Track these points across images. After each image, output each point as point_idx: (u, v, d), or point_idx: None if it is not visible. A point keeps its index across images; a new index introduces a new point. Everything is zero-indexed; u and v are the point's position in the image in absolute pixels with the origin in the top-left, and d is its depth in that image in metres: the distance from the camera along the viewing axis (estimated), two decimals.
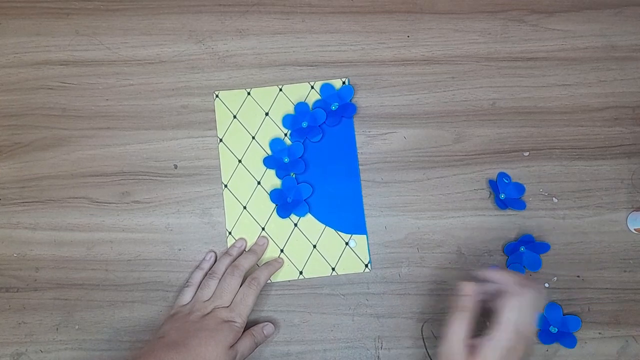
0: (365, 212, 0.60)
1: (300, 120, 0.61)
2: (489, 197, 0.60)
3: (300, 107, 0.62)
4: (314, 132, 0.61)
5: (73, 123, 0.62)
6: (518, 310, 0.45)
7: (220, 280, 0.55)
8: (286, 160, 0.60)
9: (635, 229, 0.58)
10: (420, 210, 0.60)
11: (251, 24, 0.64)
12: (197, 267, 0.58)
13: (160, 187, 0.60)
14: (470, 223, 0.60)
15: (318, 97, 0.62)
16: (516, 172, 0.61)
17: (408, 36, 0.64)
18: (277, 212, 0.60)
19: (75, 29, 0.64)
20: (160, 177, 0.61)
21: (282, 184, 0.60)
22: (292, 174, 0.60)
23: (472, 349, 0.45)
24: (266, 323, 0.56)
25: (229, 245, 0.59)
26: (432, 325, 0.57)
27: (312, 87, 0.62)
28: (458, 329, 0.46)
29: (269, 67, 0.63)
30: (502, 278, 0.48)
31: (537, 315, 0.47)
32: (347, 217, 0.59)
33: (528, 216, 0.60)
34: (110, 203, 0.60)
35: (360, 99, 0.62)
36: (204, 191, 0.60)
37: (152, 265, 0.59)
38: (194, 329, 0.51)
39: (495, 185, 0.59)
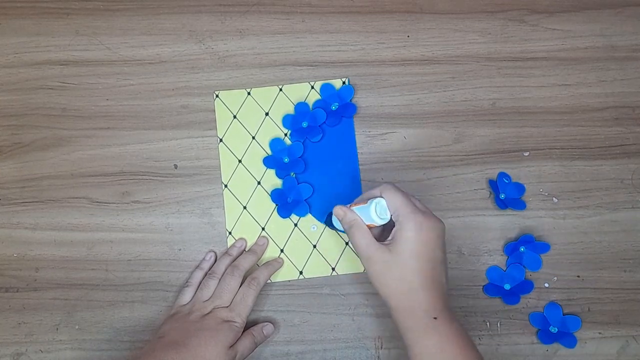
0: None
1: (300, 120, 0.61)
2: (489, 197, 0.60)
3: (300, 107, 0.62)
4: (314, 132, 0.61)
5: (73, 123, 0.62)
6: (418, 218, 0.46)
7: (220, 280, 0.55)
8: (286, 160, 0.60)
9: None
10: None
11: (251, 24, 0.64)
12: (197, 267, 0.58)
13: (160, 187, 0.60)
14: (470, 223, 0.60)
15: (318, 97, 0.62)
16: (516, 172, 0.61)
17: (408, 36, 0.64)
18: (277, 212, 0.60)
19: (75, 29, 0.64)
20: (160, 177, 0.61)
21: (283, 184, 0.60)
22: (292, 173, 0.60)
23: (386, 246, 0.47)
24: (266, 323, 0.56)
25: (229, 245, 0.59)
26: None
27: (312, 87, 0.62)
28: (360, 236, 0.48)
29: (269, 67, 0.63)
30: (394, 199, 0.48)
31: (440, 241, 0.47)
32: None
33: (528, 216, 0.60)
34: (110, 203, 0.60)
35: (360, 99, 0.62)
36: (204, 191, 0.60)
37: (152, 265, 0.59)
38: (193, 328, 0.51)
39: (495, 185, 0.59)
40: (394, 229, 0.48)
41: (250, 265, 0.57)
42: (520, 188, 0.60)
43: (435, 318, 0.45)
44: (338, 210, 0.51)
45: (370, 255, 0.47)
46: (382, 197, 0.48)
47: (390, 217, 0.48)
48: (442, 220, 0.48)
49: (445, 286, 0.47)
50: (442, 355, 0.44)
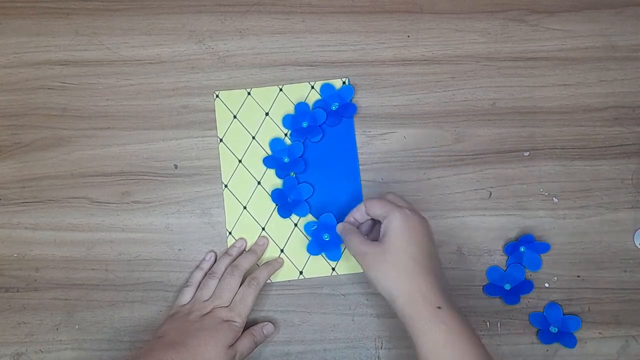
0: None
1: (300, 120, 0.61)
2: (489, 197, 0.60)
3: (300, 107, 0.62)
4: (314, 132, 0.61)
5: (73, 123, 0.62)
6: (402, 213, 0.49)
7: (220, 280, 0.55)
8: (286, 160, 0.60)
9: None
10: (420, 210, 0.59)
11: (251, 24, 0.64)
12: (197, 267, 0.58)
13: (160, 187, 0.60)
14: (470, 223, 0.60)
15: (318, 97, 0.62)
16: (516, 172, 0.61)
17: (408, 36, 0.64)
18: (278, 212, 0.60)
19: (75, 29, 0.64)
20: (160, 177, 0.61)
21: (283, 184, 0.60)
22: (292, 173, 0.60)
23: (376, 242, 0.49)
24: (266, 323, 0.56)
25: (229, 245, 0.59)
26: None
27: (312, 87, 0.62)
28: (352, 237, 0.51)
29: (269, 67, 0.63)
30: (378, 206, 0.50)
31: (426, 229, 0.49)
32: None
33: (528, 216, 0.60)
34: (110, 203, 0.60)
35: (360, 99, 0.62)
36: (204, 191, 0.60)
37: (152, 265, 0.59)
38: (193, 328, 0.51)
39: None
40: (382, 225, 0.49)
41: (250, 265, 0.57)
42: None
43: (439, 307, 0.45)
44: (338, 227, 0.54)
45: (364, 252, 0.49)
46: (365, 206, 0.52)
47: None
48: (426, 219, 0.50)
49: (442, 279, 0.47)
50: (451, 349, 0.43)
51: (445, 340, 0.44)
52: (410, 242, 0.47)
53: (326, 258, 0.59)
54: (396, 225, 0.48)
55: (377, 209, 0.50)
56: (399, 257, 0.47)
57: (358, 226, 0.54)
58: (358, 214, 0.53)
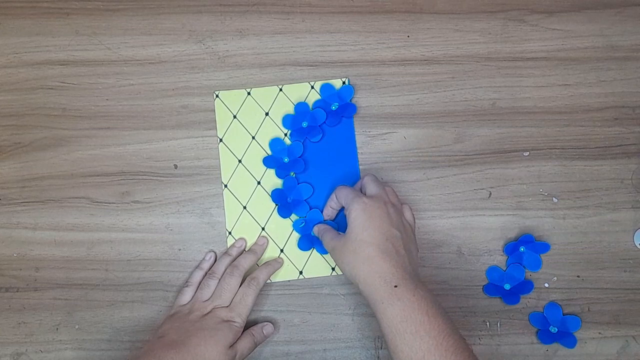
0: None
1: (300, 120, 0.61)
2: (489, 197, 0.60)
3: (300, 107, 0.62)
4: (314, 132, 0.61)
5: (73, 123, 0.62)
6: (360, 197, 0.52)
7: (220, 280, 0.55)
8: (286, 160, 0.60)
9: None
10: (420, 210, 0.60)
11: (251, 24, 0.64)
12: (197, 267, 0.58)
13: (160, 187, 0.60)
14: (470, 223, 0.60)
15: (318, 97, 0.62)
16: (516, 172, 0.61)
17: (408, 36, 0.64)
18: (278, 211, 0.60)
19: (75, 29, 0.64)
20: (160, 177, 0.61)
21: (283, 184, 0.60)
22: (292, 173, 0.60)
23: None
24: (266, 323, 0.56)
25: (229, 245, 0.59)
26: None
27: (312, 87, 0.62)
28: (325, 235, 0.54)
29: (269, 67, 0.63)
30: (342, 197, 0.54)
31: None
32: None
33: (528, 216, 0.60)
34: (110, 203, 0.60)
35: (360, 99, 0.62)
36: (204, 191, 0.60)
37: (152, 265, 0.59)
38: (193, 328, 0.51)
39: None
40: (346, 216, 0.52)
41: (250, 265, 0.57)
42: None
43: (396, 286, 0.46)
44: (314, 229, 0.58)
45: (333, 246, 0.52)
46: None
47: None
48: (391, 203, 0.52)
49: (406, 257, 0.49)
50: (406, 323, 0.45)
51: (401, 317, 0.45)
52: (366, 228, 0.49)
53: (319, 253, 0.59)
54: (355, 215, 0.50)
55: (342, 199, 0.53)
56: (357, 244, 0.49)
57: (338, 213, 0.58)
58: (333, 202, 0.56)
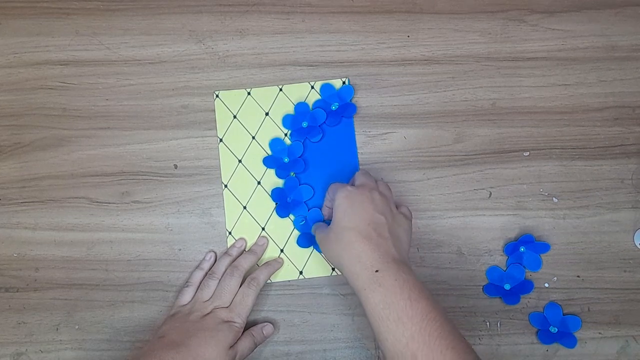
0: None
1: (300, 120, 0.61)
2: (489, 197, 0.60)
3: (300, 107, 0.62)
4: (314, 132, 0.61)
5: (73, 123, 0.62)
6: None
7: (220, 280, 0.55)
8: (286, 160, 0.60)
9: None
10: (420, 210, 0.60)
11: (251, 24, 0.64)
12: (197, 267, 0.58)
13: (160, 187, 0.60)
14: (470, 223, 0.60)
15: (318, 97, 0.62)
16: (516, 172, 0.61)
17: (408, 36, 0.64)
18: (276, 211, 0.60)
19: (75, 29, 0.64)
20: (160, 177, 0.61)
21: (284, 184, 0.60)
22: (292, 173, 0.60)
23: None
24: (265, 323, 0.56)
25: (229, 245, 0.59)
26: None
27: (312, 87, 0.62)
28: (317, 231, 0.53)
29: (269, 67, 0.63)
30: (331, 191, 0.54)
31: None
32: None
33: (528, 216, 0.60)
34: (110, 203, 0.60)
35: (360, 99, 0.62)
36: (204, 191, 0.60)
37: (152, 265, 0.59)
38: (194, 328, 0.51)
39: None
40: None
41: (250, 265, 0.57)
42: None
43: (377, 271, 0.45)
44: (312, 229, 0.57)
45: (320, 238, 0.52)
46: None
47: None
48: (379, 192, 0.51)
49: (389, 241, 0.47)
50: (389, 310, 0.43)
51: (383, 303, 0.44)
52: (347, 214, 0.49)
53: (318, 252, 0.59)
54: (338, 203, 0.50)
55: (330, 193, 0.54)
56: (340, 232, 0.49)
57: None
58: (327, 201, 0.57)
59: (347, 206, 0.49)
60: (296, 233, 0.60)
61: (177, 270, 0.59)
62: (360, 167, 0.61)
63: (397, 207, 0.53)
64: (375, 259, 0.46)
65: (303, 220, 0.59)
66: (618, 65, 0.63)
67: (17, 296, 0.58)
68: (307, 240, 0.59)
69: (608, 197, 0.60)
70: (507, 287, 0.58)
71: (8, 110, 0.62)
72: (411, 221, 0.53)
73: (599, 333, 0.57)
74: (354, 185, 0.53)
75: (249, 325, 0.55)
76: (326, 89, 0.62)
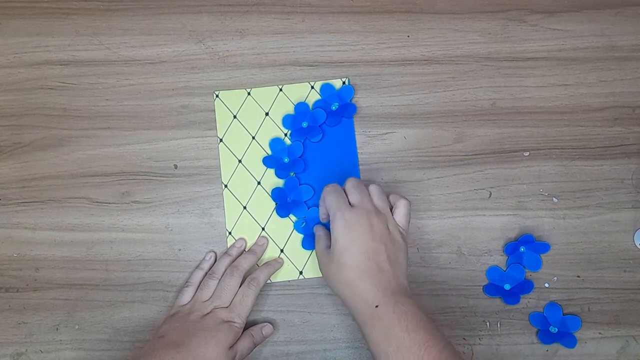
0: None
1: (300, 120, 0.61)
2: (489, 197, 0.60)
3: (300, 107, 0.62)
4: (314, 132, 0.61)
5: (73, 123, 0.62)
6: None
7: (219, 280, 0.55)
8: (286, 160, 0.60)
9: None
10: (420, 210, 0.60)
11: (251, 24, 0.64)
12: (197, 267, 0.58)
13: (160, 187, 0.60)
14: (470, 223, 0.60)
15: (318, 97, 0.62)
16: (516, 172, 0.61)
17: (408, 36, 0.64)
18: (276, 211, 0.60)
19: (75, 29, 0.64)
20: (160, 177, 0.61)
21: (285, 184, 0.60)
22: (292, 173, 0.60)
23: None
24: (265, 324, 0.56)
25: (229, 245, 0.59)
26: None
27: (312, 87, 0.62)
28: (318, 244, 0.54)
29: (269, 67, 0.63)
30: (327, 201, 0.52)
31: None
32: None
33: (528, 216, 0.60)
34: (110, 203, 0.60)
35: (360, 99, 0.62)
36: (204, 191, 0.60)
37: (152, 265, 0.59)
38: (194, 328, 0.51)
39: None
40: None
41: (250, 265, 0.57)
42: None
43: (377, 306, 0.46)
44: (314, 229, 0.57)
45: (319, 260, 0.53)
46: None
47: None
48: (377, 212, 0.50)
49: (390, 272, 0.48)
50: (388, 342, 0.44)
51: (383, 336, 0.45)
52: (347, 250, 0.48)
53: None
54: (336, 234, 0.49)
55: (328, 203, 0.52)
56: (340, 266, 0.49)
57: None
58: (322, 208, 0.56)
59: (346, 240, 0.49)
60: (296, 233, 0.60)
61: (177, 270, 0.59)
62: (360, 167, 0.61)
63: (390, 203, 0.53)
64: (375, 295, 0.47)
65: (304, 223, 0.59)
66: (618, 65, 0.63)
67: (17, 296, 0.58)
68: (311, 242, 0.59)
69: (608, 197, 0.60)
70: (507, 287, 0.58)
71: (8, 110, 0.62)
72: (406, 242, 0.52)
73: (599, 333, 0.57)
74: (346, 193, 0.52)
75: (248, 325, 0.55)
76: (326, 89, 0.62)
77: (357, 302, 0.48)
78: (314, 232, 0.57)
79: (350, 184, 0.53)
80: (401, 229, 0.52)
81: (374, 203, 0.51)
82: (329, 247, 0.51)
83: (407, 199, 0.53)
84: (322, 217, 0.57)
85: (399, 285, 0.48)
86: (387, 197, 0.53)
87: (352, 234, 0.49)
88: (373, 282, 0.47)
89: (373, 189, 0.53)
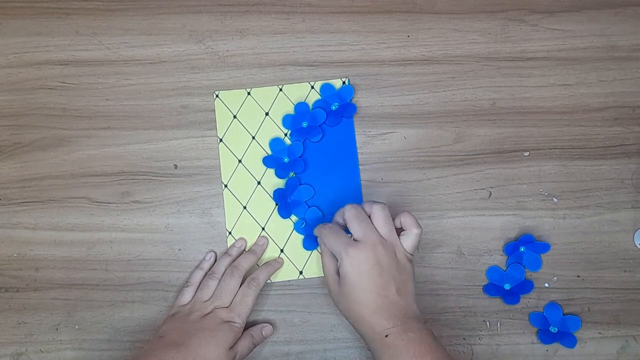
0: None
1: (300, 120, 0.61)
2: (489, 197, 0.60)
3: (300, 107, 0.62)
4: (314, 132, 0.61)
5: (73, 123, 0.62)
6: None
7: (220, 280, 0.55)
8: (286, 160, 0.60)
9: None
10: (420, 210, 0.60)
11: (251, 24, 0.64)
12: (197, 267, 0.58)
13: (160, 187, 0.60)
14: (470, 223, 0.60)
15: (318, 97, 0.62)
16: (516, 172, 0.61)
17: (408, 36, 0.64)
18: (278, 211, 0.60)
19: (75, 29, 0.64)
20: (160, 177, 0.61)
21: (285, 184, 0.60)
22: (291, 173, 0.60)
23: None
24: (265, 324, 0.56)
25: (229, 245, 0.59)
26: (431, 325, 0.57)
27: (312, 87, 0.62)
28: (327, 265, 0.52)
29: (269, 67, 0.63)
30: (329, 241, 0.51)
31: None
32: None
33: (528, 216, 0.60)
34: (110, 203, 0.60)
35: (360, 99, 0.62)
36: (204, 191, 0.60)
37: (152, 265, 0.59)
38: (194, 328, 0.51)
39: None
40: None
41: (250, 265, 0.57)
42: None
43: (386, 336, 0.47)
44: (314, 230, 0.55)
45: (329, 285, 0.52)
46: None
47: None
48: (380, 242, 0.49)
49: (399, 302, 0.48)
50: None
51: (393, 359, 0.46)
52: (357, 289, 0.48)
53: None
54: (344, 272, 0.49)
55: (329, 243, 0.51)
56: (351, 304, 0.49)
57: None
58: (340, 219, 0.53)
59: (354, 278, 0.48)
60: (296, 233, 0.60)
61: (177, 270, 0.59)
62: (360, 167, 0.61)
63: (395, 226, 0.51)
64: (385, 326, 0.47)
65: (303, 224, 0.59)
66: (618, 65, 0.63)
67: (17, 296, 0.58)
68: (312, 242, 0.59)
69: (608, 197, 0.60)
70: (507, 287, 0.58)
71: (8, 110, 0.62)
72: (414, 263, 0.52)
73: (599, 333, 0.57)
74: (344, 219, 0.51)
75: (248, 325, 0.55)
76: (326, 89, 0.62)
77: (366, 330, 0.49)
78: (315, 232, 0.56)
79: (350, 214, 0.50)
80: (408, 255, 0.51)
81: (379, 232, 0.50)
82: (337, 270, 0.51)
83: (420, 227, 0.51)
84: (318, 232, 0.54)
85: (409, 312, 0.48)
86: (394, 219, 0.51)
87: (359, 272, 0.48)
88: (383, 315, 0.48)
89: (377, 212, 0.50)
